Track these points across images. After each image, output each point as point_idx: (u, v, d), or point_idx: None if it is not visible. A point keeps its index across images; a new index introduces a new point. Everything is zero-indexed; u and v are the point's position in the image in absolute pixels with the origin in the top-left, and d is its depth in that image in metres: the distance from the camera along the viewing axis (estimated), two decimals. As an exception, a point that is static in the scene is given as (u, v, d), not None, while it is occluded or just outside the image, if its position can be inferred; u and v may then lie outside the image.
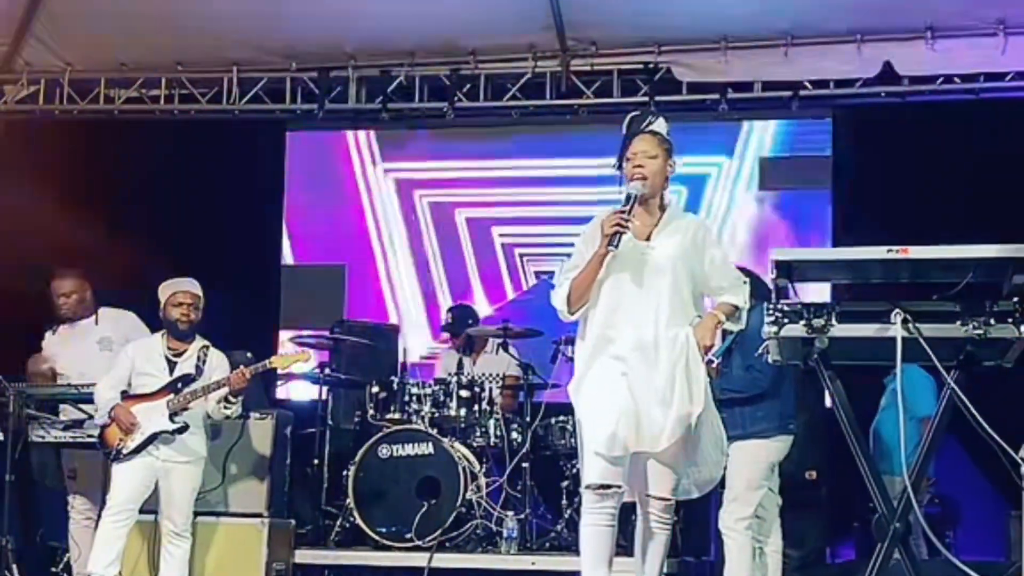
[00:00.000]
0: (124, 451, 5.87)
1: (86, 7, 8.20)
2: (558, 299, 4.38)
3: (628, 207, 4.28)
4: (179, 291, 6.05)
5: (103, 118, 8.92)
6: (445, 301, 8.80)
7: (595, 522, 4.24)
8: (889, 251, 3.76)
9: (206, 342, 6.11)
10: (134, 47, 8.56)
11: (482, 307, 8.67)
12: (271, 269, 9.06)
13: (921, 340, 3.68)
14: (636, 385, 4.26)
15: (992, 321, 3.68)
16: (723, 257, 4.50)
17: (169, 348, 6.05)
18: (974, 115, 7.95)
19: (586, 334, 4.39)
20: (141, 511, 5.93)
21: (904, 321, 3.70)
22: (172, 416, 5.89)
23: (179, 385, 5.95)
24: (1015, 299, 3.70)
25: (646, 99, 8.18)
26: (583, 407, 4.35)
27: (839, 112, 8.41)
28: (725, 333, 4.80)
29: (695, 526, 6.56)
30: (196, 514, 6.09)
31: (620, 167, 4.44)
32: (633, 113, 4.59)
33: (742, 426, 5.67)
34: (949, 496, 7.28)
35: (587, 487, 4.26)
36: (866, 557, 3.90)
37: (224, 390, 5.89)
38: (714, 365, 4.37)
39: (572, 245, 4.51)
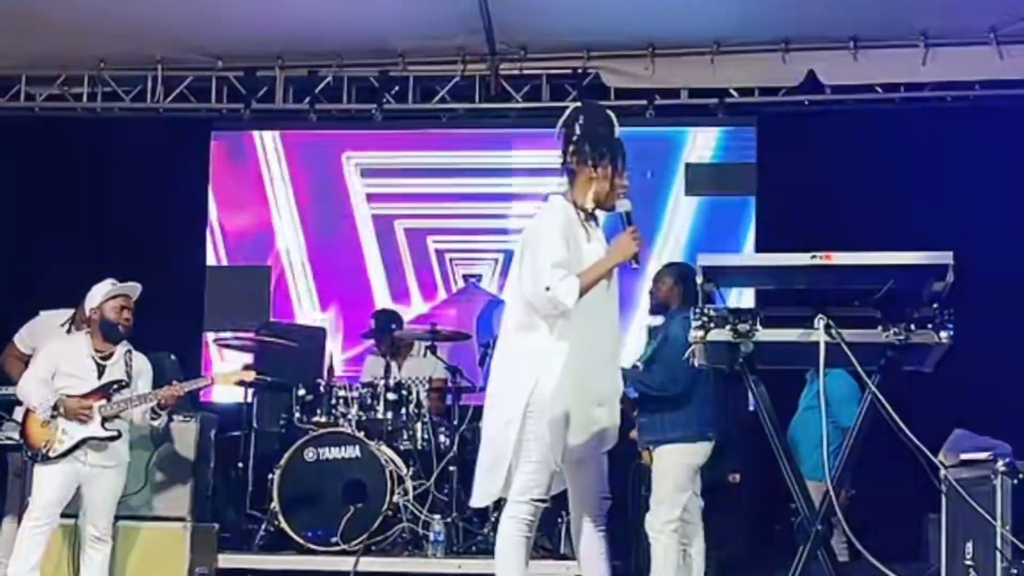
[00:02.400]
0: (51, 454, 5.76)
1: (4, 1, 8.05)
2: (569, 294, 4.06)
3: (634, 224, 4.23)
4: (122, 294, 5.94)
5: (23, 116, 8.76)
6: (369, 305, 8.72)
7: (527, 533, 4.18)
8: (813, 257, 3.80)
9: (129, 346, 6.02)
10: (55, 44, 8.39)
11: (412, 310, 8.63)
12: (195, 270, 8.94)
13: (843, 345, 3.74)
14: (591, 390, 4.19)
15: (912, 327, 3.75)
16: None
17: (96, 350, 5.94)
18: (895, 123, 8.11)
19: (551, 337, 4.13)
20: (62, 515, 5.83)
21: (827, 326, 3.76)
22: (104, 422, 5.80)
23: (111, 391, 5.86)
24: (935, 305, 3.77)
25: (575, 104, 8.20)
26: (547, 420, 4.10)
27: (764, 120, 8.51)
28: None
29: (618, 529, 6.58)
30: (118, 518, 6.00)
31: (594, 158, 4.35)
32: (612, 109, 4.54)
33: (660, 431, 5.72)
34: (868, 499, 7.37)
35: (536, 500, 4.15)
36: (788, 559, 3.94)
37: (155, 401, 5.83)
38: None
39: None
